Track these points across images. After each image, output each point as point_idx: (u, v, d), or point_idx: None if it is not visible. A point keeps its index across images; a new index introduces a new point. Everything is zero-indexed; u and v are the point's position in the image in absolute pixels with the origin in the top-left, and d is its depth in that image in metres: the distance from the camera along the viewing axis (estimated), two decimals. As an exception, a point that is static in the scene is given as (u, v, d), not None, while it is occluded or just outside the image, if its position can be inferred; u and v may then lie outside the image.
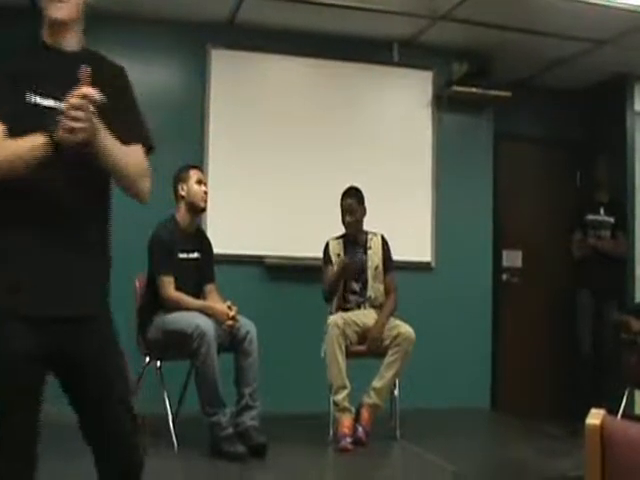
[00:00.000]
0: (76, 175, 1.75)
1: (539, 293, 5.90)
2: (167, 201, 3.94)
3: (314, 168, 5.14)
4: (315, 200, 5.00)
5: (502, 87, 5.39)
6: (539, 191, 6.02)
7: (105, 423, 1.86)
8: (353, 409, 4.01)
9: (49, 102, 1.76)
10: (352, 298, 4.28)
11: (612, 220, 5.40)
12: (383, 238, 4.38)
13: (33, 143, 1.66)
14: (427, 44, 5.33)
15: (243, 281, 4.87)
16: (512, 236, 5.88)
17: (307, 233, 4.86)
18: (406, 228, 5.13)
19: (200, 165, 4.47)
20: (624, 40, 5.02)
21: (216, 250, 4.18)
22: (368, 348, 4.10)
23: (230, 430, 3.56)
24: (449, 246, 5.36)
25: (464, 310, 5.37)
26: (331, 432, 3.99)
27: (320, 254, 4.36)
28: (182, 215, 3.94)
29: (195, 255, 3.96)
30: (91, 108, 1.62)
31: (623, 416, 4.28)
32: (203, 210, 4.02)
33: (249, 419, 3.66)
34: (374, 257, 4.31)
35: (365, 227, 4.37)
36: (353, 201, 4.27)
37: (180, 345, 3.62)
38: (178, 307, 3.74)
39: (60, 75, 1.74)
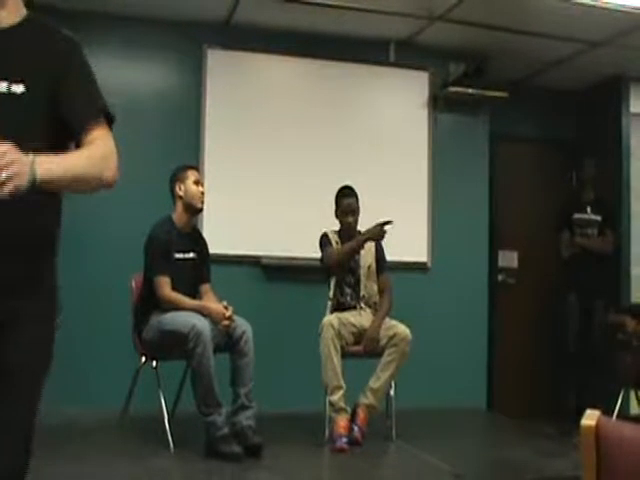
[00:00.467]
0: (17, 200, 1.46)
1: (535, 293, 5.90)
2: (164, 201, 3.94)
3: (310, 168, 5.15)
4: (311, 200, 5.00)
5: (498, 88, 5.39)
6: (535, 191, 6.03)
7: None
8: (349, 409, 4.01)
9: None
10: (348, 291, 4.27)
11: (599, 218, 5.40)
12: (376, 238, 4.38)
13: None
14: (424, 45, 5.34)
15: (239, 281, 4.87)
16: (508, 236, 5.89)
17: (303, 233, 4.84)
18: (402, 228, 5.11)
19: (196, 165, 4.47)
20: (619, 41, 5.04)
21: (212, 250, 4.17)
22: (364, 348, 4.10)
23: (226, 430, 3.56)
24: (445, 246, 5.37)
25: (460, 310, 5.38)
26: (327, 432, 3.98)
27: (317, 254, 4.35)
28: (179, 215, 3.93)
29: (191, 255, 3.95)
30: (13, 153, 1.38)
31: (618, 417, 4.30)
32: (200, 210, 4.02)
33: (245, 419, 3.66)
34: (367, 256, 4.31)
35: (359, 227, 4.36)
36: (353, 201, 4.28)
37: (176, 345, 3.61)
38: (174, 307, 3.73)
39: None
